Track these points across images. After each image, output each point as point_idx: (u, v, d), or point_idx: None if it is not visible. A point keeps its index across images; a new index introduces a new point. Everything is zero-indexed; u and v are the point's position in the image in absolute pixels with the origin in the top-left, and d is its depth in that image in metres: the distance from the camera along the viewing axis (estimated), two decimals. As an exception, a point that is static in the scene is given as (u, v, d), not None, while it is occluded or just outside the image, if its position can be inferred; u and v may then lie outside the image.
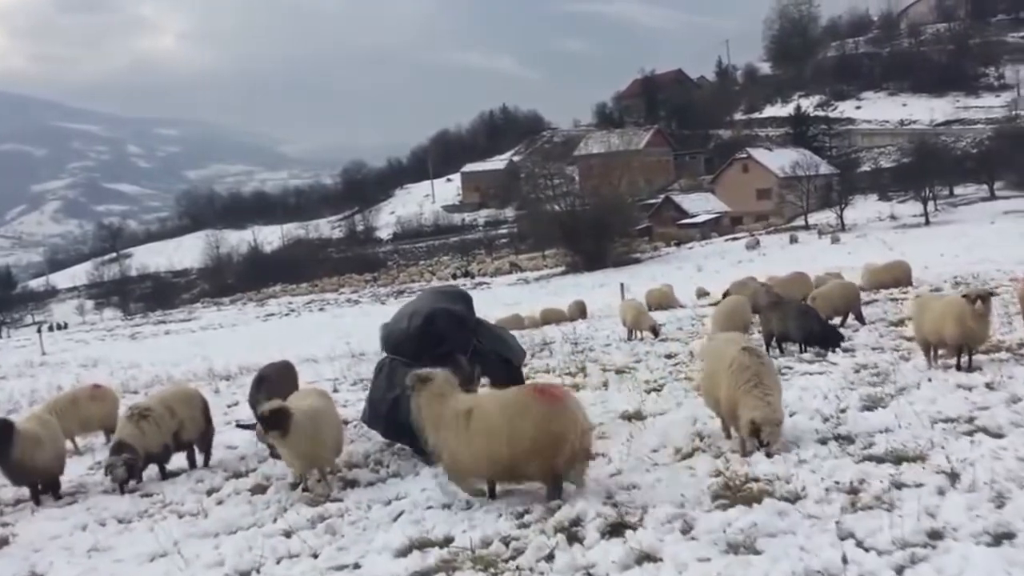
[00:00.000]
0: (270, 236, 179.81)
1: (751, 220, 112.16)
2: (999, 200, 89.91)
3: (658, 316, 29.61)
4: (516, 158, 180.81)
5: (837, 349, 18.27)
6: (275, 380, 15.57)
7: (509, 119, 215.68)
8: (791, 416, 12.41)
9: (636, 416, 14.23)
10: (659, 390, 16.58)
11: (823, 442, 11.11)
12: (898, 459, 10.04)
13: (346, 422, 16.17)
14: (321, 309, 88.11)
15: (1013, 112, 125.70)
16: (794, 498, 9.19)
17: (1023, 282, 16.39)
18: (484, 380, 13.77)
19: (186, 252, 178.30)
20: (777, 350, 19.35)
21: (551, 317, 40.30)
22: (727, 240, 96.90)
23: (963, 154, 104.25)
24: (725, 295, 33.13)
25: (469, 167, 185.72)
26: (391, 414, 12.99)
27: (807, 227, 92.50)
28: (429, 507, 10.61)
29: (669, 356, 21.36)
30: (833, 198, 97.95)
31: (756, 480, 9.94)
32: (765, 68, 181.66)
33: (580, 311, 41.37)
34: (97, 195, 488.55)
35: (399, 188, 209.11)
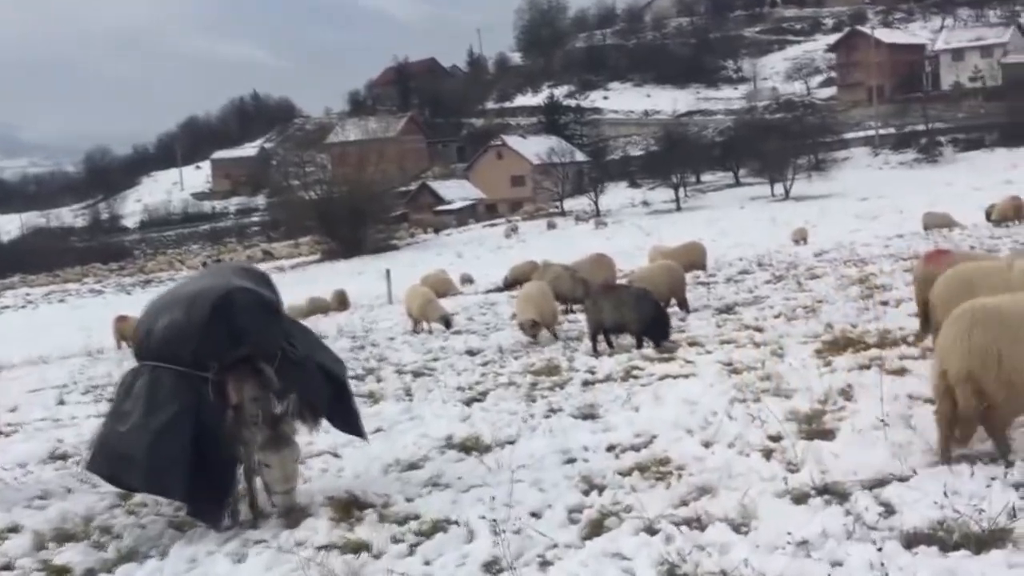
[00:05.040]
0: (8, 226, 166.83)
1: (506, 207, 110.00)
2: (744, 187, 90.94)
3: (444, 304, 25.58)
4: (268, 145, 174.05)
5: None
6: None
7: (261, 106, 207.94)
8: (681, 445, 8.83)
9: (471, 446, 10.22)
10: (481, 399, 12.75)
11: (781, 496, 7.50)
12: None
13: (64, 457, 11.57)
14: (62, 300, 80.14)
15: (751, 103, 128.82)
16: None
17: (925, 261, 13.23)
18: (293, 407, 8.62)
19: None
20: (605, 344, 15.85)
21: (319, 307, 35.73)
22: (484, 227, 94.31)
23: (710, 143, 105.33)
24: (515, 282, 29.83)
25: (219, 154, 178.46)
26: (157, 454, 8.10)
27: (563, 213, 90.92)
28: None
29: (471, 352, 17.57)
30: (586, 185, 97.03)
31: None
32: (516, 58, 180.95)
33: (341, 301, 36.83)
34: None
35: (146, 175, 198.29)
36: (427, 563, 6.99)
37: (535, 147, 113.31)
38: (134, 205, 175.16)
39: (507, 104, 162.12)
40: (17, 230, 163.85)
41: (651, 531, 6.94)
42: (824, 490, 7.32)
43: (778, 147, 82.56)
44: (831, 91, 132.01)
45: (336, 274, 62.16)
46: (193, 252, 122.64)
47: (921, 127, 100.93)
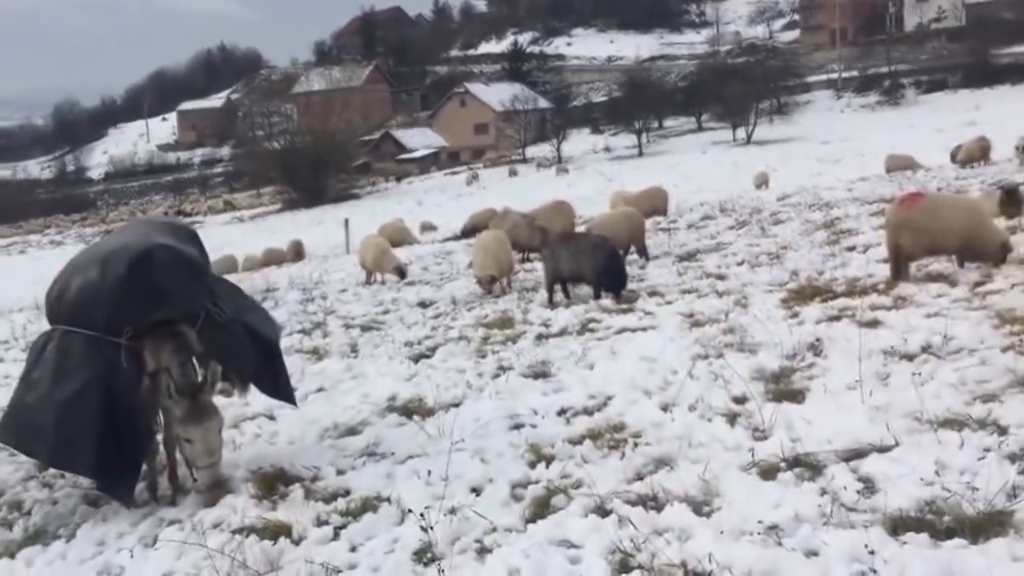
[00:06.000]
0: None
1: (469, 155, 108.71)
2: (706, 131, 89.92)
3: (398, 254, 24.54)
4: (235, 96, 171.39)
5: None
6: None
7: (227, 57, 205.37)
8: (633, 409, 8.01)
9: (413, 409, 9.32)
10: (429, 356, 11.85)
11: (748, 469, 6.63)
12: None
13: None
14: (22, 252, 78.60)
15: (713, 48, 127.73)
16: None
17: (898, 205, 12.37)
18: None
19: None
20: (563, 294, 14.97)
21: (274, 258, 34.63)
22: (446, 175, 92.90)
23: (672, 88, 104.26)
24: (473, 230, 28.87)
25: (186, 105, 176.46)
26: (63, 426, 7.24)
27: (525, 160, 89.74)
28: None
29: (424, 304, 16.66)
30: (549, 131, 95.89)
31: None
32: (481, 5, 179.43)
33: (296, 252, 35.73)
34: None
35: (113, 127, 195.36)
36: (353, 549, 6.12)
37: (498, 94, 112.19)
38: (100, 157, 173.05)
39: (471, 52, 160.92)
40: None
41: (602, 512, 6.05)
42: (795, 462, 6.45)
43: (740, 91, 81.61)
44: (794, 34, 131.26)
45: (296, 224, 60.99)
46: (155, 203, 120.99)
47: (884, 69, 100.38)
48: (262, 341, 8.30)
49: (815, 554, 5.18)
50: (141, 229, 8.68)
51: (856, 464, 6.31)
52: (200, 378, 7.37)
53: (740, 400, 8.00)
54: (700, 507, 5.99)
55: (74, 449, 7.28)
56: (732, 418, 7.60)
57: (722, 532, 5.55)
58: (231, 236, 58.80)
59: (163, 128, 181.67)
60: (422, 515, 6.12)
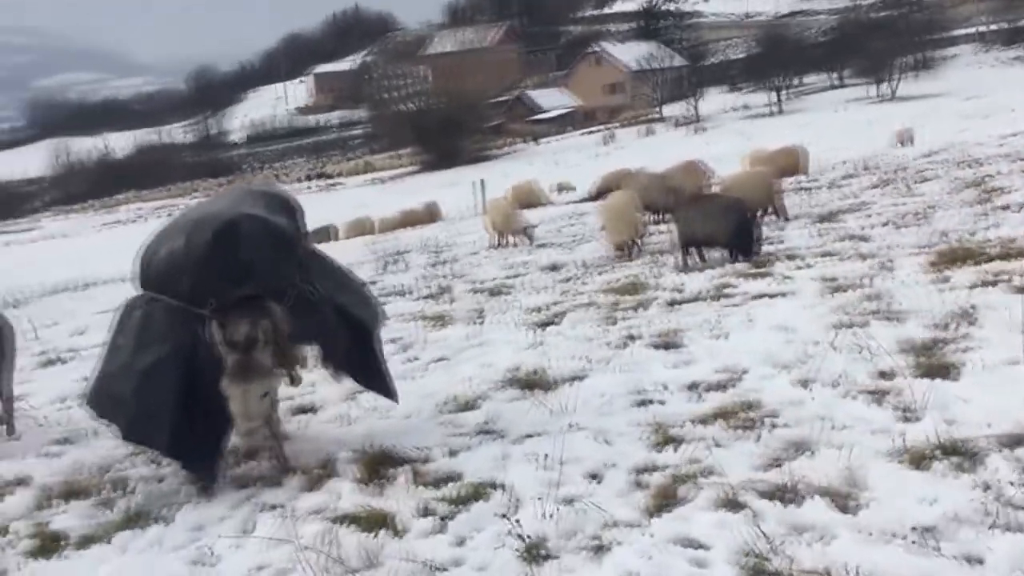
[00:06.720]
0: (123, 143, 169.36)
1: (604, 114, 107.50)
2: (846, 88, 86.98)
3: (527, 216, 24.03)
4: (368, 58, 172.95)
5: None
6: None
7: (360, 19, 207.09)
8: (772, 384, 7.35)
9: (534, 382, 8.79)
10: (556, 322, 11.31)
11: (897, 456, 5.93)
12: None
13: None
14: (170, 215, 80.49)
15: (855, 2, 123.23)
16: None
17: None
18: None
19: (34, 161, 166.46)
20: (699, 258, 14.28)
21: (410, 220, 34.55)
22: (581, 134, 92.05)
23: (812, 43, 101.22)
24: (603, 191, 28.17)
25: (321, 68, 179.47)
26: (141, 398, 6.92)
27: (661, 119, 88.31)
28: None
29: (554, 268, 16.19)
30: (686, 90, 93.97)
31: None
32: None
33: (431, 213, 35.55)
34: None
35: (250, 91, 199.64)
36: (458, 543, 5.60)
37: (632, 53, 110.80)
38: (240, 120, 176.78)
39: (605, 10, 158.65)
40: (130, 147, 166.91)
41: (733, 505, 5.45)
42: (951, 450, 5.73)
43: (883, 46, 78.59)
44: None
45: (432, 186, 61.05)
46: (298, 166, 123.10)
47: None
48: (354, 324, 7.74)
49: (979, 562, 4.50)
50: (234, 196, 8.33)
51: (1021, 452, 5.58)
52: (247, 333, 6.74)
53: (887, 375, 7.29)
54: (843, 502, 5.32)
55: (150, 425, 6.97)
56: (878, 396, 6.89)
57: (870, 533, 4.88)
58: (369, 198, 59.29)
59: (298, 91, 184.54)
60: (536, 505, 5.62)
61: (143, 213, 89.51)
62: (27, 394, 10.78)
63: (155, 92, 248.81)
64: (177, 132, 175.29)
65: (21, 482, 7.82)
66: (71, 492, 7.43)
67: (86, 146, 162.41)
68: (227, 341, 6.67)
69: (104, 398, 7.30)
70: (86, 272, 29.27)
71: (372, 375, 7.95)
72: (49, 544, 6.50)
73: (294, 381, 8.23)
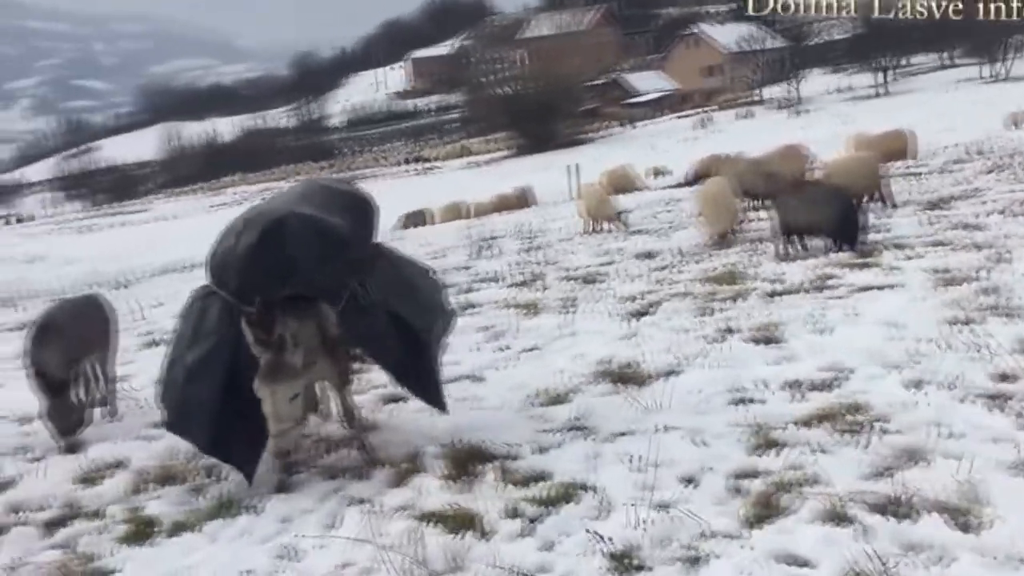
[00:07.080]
0: (228, 128, 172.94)
1: (701, 97, 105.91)
2: (955, 68, 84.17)
3: (621, 202, 23.54)
4: (465, 43, 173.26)
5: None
6: (64, 328, 9.33)
7: (457, 4, 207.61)
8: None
9: (627, 376, 8.43)
10: (651, 313, 10.91)
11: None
12: None
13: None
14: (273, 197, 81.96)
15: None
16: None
17: None
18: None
19: (147, 145, 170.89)
20: (800, 247, 13.73)
21: (504, 204, 34.24)
22: (678, 118, 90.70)
23: (919, 23, 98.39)
24: (699, 176, 27.52)
25: (418, 53, 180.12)
26: (186, 391, 6.99)
27: (760, 101, 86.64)
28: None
29: (649, 255, 15.71)
30: (787, 71, 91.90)
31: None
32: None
33: (524, 198, 35.11)
34: (66, 92, 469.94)
35: (350, 75, 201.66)
36: (546, 548, 5.32)
37: (730, 34, 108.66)
38: (340, 105, 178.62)
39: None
40: (236, 132, 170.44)
41: (840, 518, 5.06)
42: (1081, 463, 5.28)
43: (996, 24, 75.95)
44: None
45: (526, 169, 60.61)
46: (396, 149, 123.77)
47: None
48: (410, 333, 7.37)
49: (1118, 595, 4.06)
50: (296, 193, 8.16)
51: None
52: (285, 336, 6.58)
53: (1007, 377, 6.81)
54: (963, 520, 4.90)
55: (191, 421, 6.98)
56: (999, 401, 6.40)
57: (995, 558, 4.45)
58: (466, 181, 59.21)
59: (396, 76, 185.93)
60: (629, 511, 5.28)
61: (248, 195, 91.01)
62: (129, 375, 10.78)
63: (258, 78, 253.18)
64: (280, 117, 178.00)
65: (119, 464, 7.83)
66: (166, 477, 7.41)
67: (195, 131, 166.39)
68: (256, 341, 6.57)
69: (162, 385, 7.35)
70: (194, 253, 29.75)
71: (424, 384, 7.57)
72: (142, 530, 6.46)
73: (317, 407, 8.18)
